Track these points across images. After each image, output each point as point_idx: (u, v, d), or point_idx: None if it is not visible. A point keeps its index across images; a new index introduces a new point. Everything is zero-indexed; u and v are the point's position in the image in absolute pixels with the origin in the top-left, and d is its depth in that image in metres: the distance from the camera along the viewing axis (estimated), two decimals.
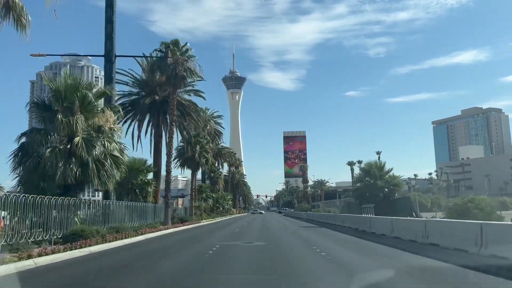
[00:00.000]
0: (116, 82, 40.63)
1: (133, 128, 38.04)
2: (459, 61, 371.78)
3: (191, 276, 9.87)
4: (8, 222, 14.40)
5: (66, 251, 13.26)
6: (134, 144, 38.10)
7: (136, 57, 37.11)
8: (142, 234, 21.39)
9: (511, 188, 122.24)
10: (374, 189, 40.58)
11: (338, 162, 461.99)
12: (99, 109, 19.59)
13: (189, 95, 39.59)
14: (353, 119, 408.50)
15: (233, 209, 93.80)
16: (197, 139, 46.58)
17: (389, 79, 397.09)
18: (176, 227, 30.72)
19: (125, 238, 18.53)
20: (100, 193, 49.31)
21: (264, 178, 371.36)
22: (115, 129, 19.88)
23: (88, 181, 18.57)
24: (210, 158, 51.28)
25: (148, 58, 36.34)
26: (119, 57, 27.59)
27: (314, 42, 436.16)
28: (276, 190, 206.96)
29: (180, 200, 76.68)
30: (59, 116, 17.83)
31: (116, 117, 22.92)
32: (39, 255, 11.99)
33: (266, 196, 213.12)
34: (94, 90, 20.61)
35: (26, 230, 14.29)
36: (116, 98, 40.59)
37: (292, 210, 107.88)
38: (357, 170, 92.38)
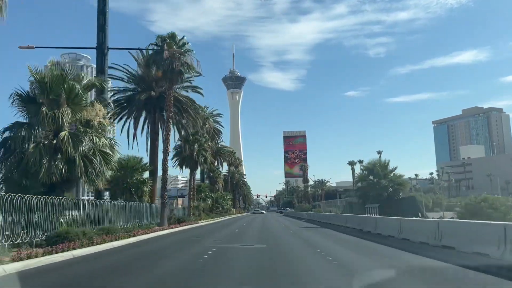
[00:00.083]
0: (110, 78, 39.42)
1: (129, 126, 36.82)
2: (459, 61, 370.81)
3: None
4: None
5: (46, 255, 11.96)
6: (129, 142, 36.90)
7: (130, 50, 35.99)
8: (134, 235, 20.08)
9: None
10: (378, 188, 39.24)
11: (338, 162, 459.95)
12: (87, 102, 18.28)
13: (187, 91, 38.39)
14: (353, 119, 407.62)
15: (232, 209, 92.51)
16: (195, 137, 45.32)
17: (389, 79, 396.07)
18: (172, 228, 29.44)
19: (115, 240, 17.21)
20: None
21: (264, 178, 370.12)
22: (105, 124, 18.54)
23: (75, 179, 17.29)
24: (209, 157, 50.02)
25: (144, 52, 35.13)
26: (112, 49, 26.20)
27: (314, 42, 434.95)
28: (276, 190, 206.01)
29: (180, 200, 75.41)
30: (44, 109, 16.55)
31: (108, 112, 21.71)
32: (13, 260, 10.71)
33: (266, 196, 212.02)
34: (84, 82, 19.33)
35: (7, 232, 13.06)
36: (111, 93, 39.45)
37: (293, 210, 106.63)
38: (358, 170, 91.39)
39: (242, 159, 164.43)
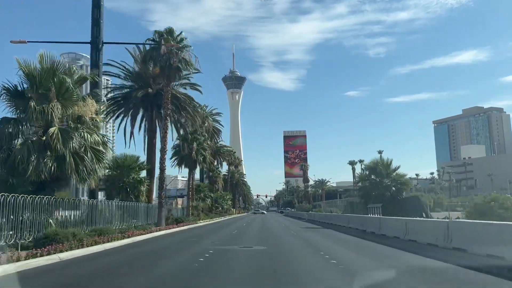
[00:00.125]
0: (107, 74, 38.65)
1: (125, 124, 36.01)
2: (459, 61, 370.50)
3: None
4: None
5: (29, 258, 11.10)
6: (126, 140, 36.09)
7: (127, 47, 35.04)
8: (128, 236, 19.23)
9: None
10: (380, 187, 38.29)
11: (338, 162, 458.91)
12: (79, 97, 17.41)
13: (185, 88, 37.54)
14: (353, 119, 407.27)
15: (232, 209, 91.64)
16: (194, 136, 44.47)
17: (389, 79, 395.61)
18: (169, 228, 28.60)
19: (108, 241, 16.35)
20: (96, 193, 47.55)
21: (264, 178, 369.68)
22: (98, 120, 17.66)
23: (66, 177, 16.43)
24: (208, 156, 49.17)
25: (141, 49, 34.32)
26: (107, 44, 25.38)
27: (314, 42, 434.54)
28: (276, 190, 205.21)
29: (180, 200, 74.67)
30: (32, 103, 15.69)
31: (101, 107, 20.84)
32: None
33: (266, 196, 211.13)
34: (76, 76, 18.45)
35: None
36: (107, 90, 38.71)
37: (293, 210, 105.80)
38: (358, 170, 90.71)
39: (242, 159, 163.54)
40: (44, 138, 16.13)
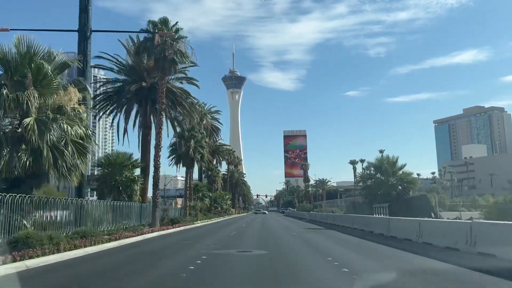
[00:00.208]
0: (100, 67, 36.97)
1: (119, 119, 34.34)
2: (459, 61, 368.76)
3: None
4: None
5: None
6: (119, 137, 34.45)
7: (119, 37, 33.38)
8: (116, 239, 17.49)
9: None
10: (386, 186, 36.57)
11: (339, 162, 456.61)
12: (59, 84, 15.73)
13: (181, 82, 35.83)
14: (354, 119, 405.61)
15: (232, 209, 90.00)
16: (191, 133, 42.80)
17: (389, 79, 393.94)
18: (164, 229, 26.90)
19: (90, 245, 14.64)
20: (91, 192, 45.74)
21: (264, 178, 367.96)
22: (80, 110, 15.95)
23: (43, 174, 14.76)
24: (206, 154, 47.50)
25: (135, 40, 32.62)
26: (96, 32, 23.55)
27: (314, 42, 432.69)
28: (276, 190, 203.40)
29: (179, 200, 73.08)
30: (5, 91, 14.02)
31: (89, 99, 19.18)
32: None
33: (266, 196, 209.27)
34: (58, 62, 16.74)
35: None
36: (99, 84, 37.07)
37: (294, 210, 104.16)
38: (359, 170, 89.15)
39: (242, 159, 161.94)
40: (20, 130, 14.48)
